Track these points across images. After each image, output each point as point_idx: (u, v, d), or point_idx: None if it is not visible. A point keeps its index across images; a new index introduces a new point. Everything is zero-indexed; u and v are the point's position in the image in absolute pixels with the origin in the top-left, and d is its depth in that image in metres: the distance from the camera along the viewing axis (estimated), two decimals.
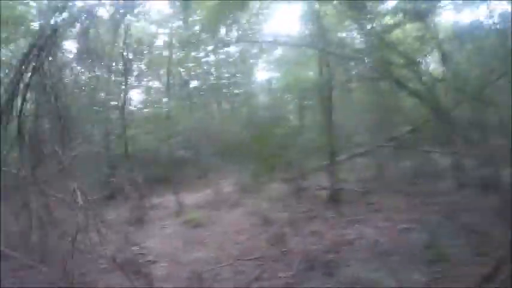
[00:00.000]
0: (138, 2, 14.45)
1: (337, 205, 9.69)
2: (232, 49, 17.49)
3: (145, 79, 17.92)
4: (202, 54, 17.09)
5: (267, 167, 12.30)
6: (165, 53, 16.23)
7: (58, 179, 6.42)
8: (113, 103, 15.17)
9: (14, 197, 6.11)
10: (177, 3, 14.48)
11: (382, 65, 8.48)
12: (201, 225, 9.11)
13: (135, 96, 18.17)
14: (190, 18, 15.69)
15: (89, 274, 6.14)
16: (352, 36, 12.32)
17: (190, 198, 12.24)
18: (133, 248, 7.53)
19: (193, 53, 16.68)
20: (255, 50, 17.90)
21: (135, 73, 16.95)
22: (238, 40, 13.76)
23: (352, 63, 11.92)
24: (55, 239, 6.32)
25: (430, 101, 7.64)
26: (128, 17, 14.79)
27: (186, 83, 18.01)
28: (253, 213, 9.63)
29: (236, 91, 18.65)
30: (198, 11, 14.72)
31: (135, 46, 15.44)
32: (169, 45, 15.50)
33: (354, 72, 12.45)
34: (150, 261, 6.70)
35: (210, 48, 16.78)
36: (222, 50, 17.28)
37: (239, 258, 6.63)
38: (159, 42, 16.66)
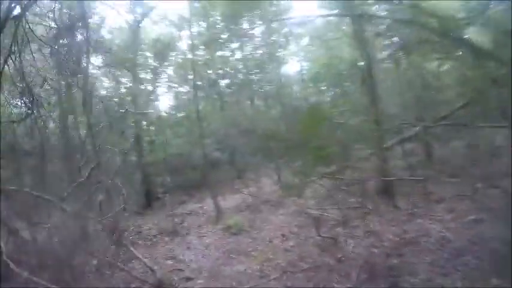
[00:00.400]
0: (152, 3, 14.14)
1: (391, 198, 8.47)
2: (258, 42, 16.71)
3: (172, 83, 17.51)
4: (228, 52, 16.56)
5: (310, 161, 11.38)
6: (190, 55, 15.70)
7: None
8: (141, 110, 14.78)
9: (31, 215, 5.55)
10: (196, 5, 14.00)
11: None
12: (242, 231, 8.22)
13: (164, 101, 17.87)
14: (211, 18, 15.19)
15: None
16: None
17: (229, 201, 11.44)
18: (168, 262, 6.82)
19: (218, 52, 16.14)
20: (282, 39, 16.97)
21: (161, 77, 16.60)
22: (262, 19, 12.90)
23: (392, 35, 10.62)
24: (81, 259, 5.69)
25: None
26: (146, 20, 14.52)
27: (215, 83, 17.40)
28: (298, 214, 8.67)
29: (267, 86, 17.80)
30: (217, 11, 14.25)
31: (157, 49, 15.05)
32: (192, 47, 14.93)
33: (395, 46, 11.10)
34: (186, 278, 5.86)
35: (235, 45, 16.22)
36: (247, 45, 16.56)
37: (288, 270, 5.65)
38: (182, 45, 16.19)
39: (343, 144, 10.35)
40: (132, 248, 5.96)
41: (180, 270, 6.24)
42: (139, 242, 8.44)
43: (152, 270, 5.68)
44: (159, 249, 7.81)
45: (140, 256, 5.86)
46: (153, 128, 15.51)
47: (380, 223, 7.14)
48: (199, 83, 15.77)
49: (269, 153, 13.56)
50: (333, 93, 14.00)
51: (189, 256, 7.11)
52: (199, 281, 5.72)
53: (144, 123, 15.02)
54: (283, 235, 7.50)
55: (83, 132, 8.88)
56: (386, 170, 9.53)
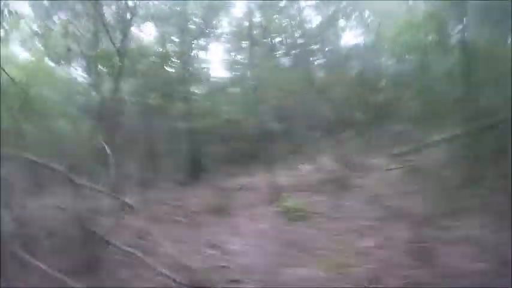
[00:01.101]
0: None
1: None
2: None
3: (228, 49, 16.13)
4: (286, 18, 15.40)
5: (380, 139, 9.84)
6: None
7: None
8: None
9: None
10: None
11: None
12: (305, 218, 6.59)
13: (218, 66, 16.51)
14: None
15: None
16: None
17: (284, 178, 9.82)
18: (209, 252, 5.38)
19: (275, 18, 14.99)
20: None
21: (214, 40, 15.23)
22: None
23: None
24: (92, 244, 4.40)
25: None
26: None
27: (272, 48, 15.79)
28: (373, 201, 6.91)
29: (328, 56, 15.81)
30: None
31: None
32: (249, 12, 13.40)
33: None
34: (230, 280, 4.32)
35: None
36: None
37: (365, 285, 3.96)
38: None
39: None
40: (158, 237, 4.53)
41: (224, 266, 4.73)
42: (178, 219, 7.13)
43: (188, 261, 4.24)
44: (200, 232, 6.40)
45: (168, 248, 4.40)
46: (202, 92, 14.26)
47: (482, 231, 5.10)
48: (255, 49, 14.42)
49: (330, 126, 11.89)
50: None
51: (236, 245, 5.63)
52: (248, 287, 4.19)
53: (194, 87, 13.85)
54: (356, 229, 5.78)
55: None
56: None
